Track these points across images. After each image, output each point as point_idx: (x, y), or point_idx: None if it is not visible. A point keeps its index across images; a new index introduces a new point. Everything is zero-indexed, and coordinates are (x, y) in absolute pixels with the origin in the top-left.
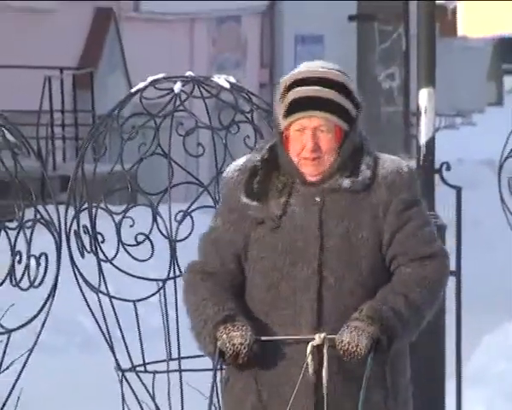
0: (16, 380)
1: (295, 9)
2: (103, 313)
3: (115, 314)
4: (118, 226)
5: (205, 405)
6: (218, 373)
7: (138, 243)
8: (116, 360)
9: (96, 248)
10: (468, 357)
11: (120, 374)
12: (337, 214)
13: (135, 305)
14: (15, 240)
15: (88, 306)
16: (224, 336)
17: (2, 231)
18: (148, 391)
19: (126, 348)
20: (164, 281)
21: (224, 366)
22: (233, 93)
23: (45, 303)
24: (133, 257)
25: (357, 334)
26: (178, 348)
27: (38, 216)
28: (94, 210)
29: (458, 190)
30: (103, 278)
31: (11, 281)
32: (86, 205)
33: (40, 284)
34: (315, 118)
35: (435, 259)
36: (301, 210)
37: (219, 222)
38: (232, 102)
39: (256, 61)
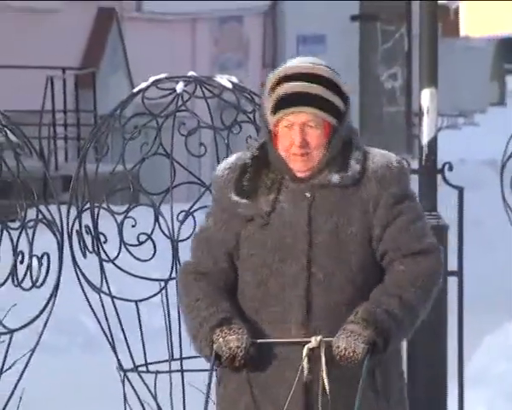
0: (18, 380)
1: (297, 9)
2: (105, 314)
3: (117, 314)
4: (120, 226)
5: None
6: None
7: (140, 243)
8: (118, 360)
9: (98, 248)
10: (469, 357)
11: (122, 374)
12: (326, 210)
13: (137, 305)
14: (17, 240)
15: (90, 306)
16: (221, 339)
17: (5, 231)
18: (150, 391)
19: (128, 348)
20: (166, 281)
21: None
22: (235, 93)
23: (47, 303)
24: (135, 257)
25: (353, 339)
26: (180, 348)
27: (40, 216)
28: (96, 210)
29: (460, 190)
30: (105, 278)
31: (13, 281)
32: (88, 205)
33: (42, 284)
34: (303, 114)
35: (428, 254)
36: (290, 206)
37: (211, 221)
38: (234, 102)
39: (258, 61)
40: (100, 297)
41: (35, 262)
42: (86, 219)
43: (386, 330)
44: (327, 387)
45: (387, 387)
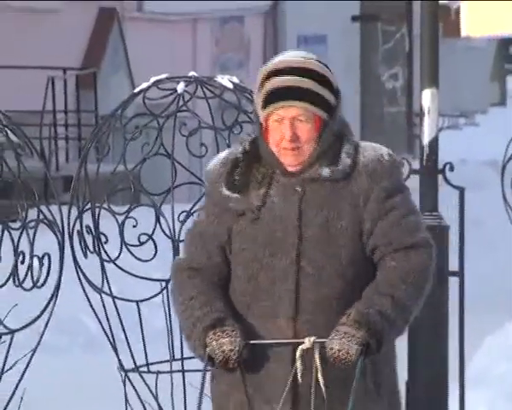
0: (19, 380)
1: (298, 10)
2: (106, 314)
3: (118, 315)
4: (121, 227)
5: (208, 405)
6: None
7: (141, 244)
8: (119, 360)
9: (99, 249)
10: (469, 358)
11: (123, 374)
12: (317, 204)
13: (138, 305)
14: (18, 240)
15: (91, 306)
16: (214, 342)
17: (6, 232)
18: (151, 391)
19: (129, 348)
20: (167, 281)
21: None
22: (236, 93)
23: (48, 303)
24: (136, 257)
25: (346, 340)
26: (181, 349)
27: (41, 216)
28: (97, 210)
29: (461, 190)
30: (106, 278)
31: (14, 281)
32: (89, 205)
33: (43, 285)
34: (293, 108)
35: (420, 249)
36: (281, 201)
37: (203, 216)
38: (235, 103)
39: (259, 62)
40: (101, 297)
41: (36, 262)
42: (87, 219)
43: (379, 332)
44: (323, 388)
45: (379, 382)
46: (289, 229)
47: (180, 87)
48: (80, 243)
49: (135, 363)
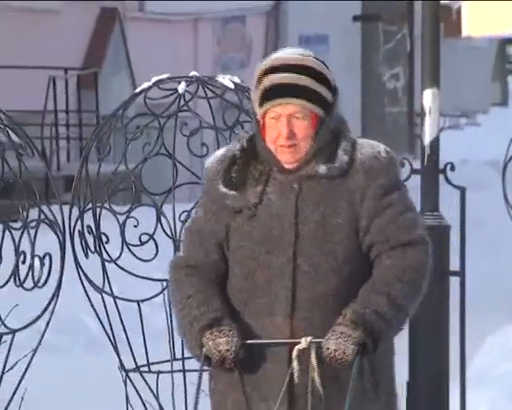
0: (20, 380)
1: (300, 9)
2: (107, 314)
3: (119, 314)
4: (122, 226)
5: (206, 404)
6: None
7: (142, 243)
8: (120, 360)
9: (100, 249)
10: (470, 357)
11: (124, 374)
12: (313, 201)
13: (139, 305)
14: (19, 240)
15: (92, 306)
16: (210, 342)
17: (7, 231)
18: (152, 391)
19: (130, 348)
20: (168, 281)
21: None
22: (237, 93)
23: (49, 303)
24: (137, 257)
25: (343, 340)
26: (182, 349)
27: (42, 216)
28: (98, 210)
29: (462, 190)
30: (107, 278)
31: (15, 281)
32: (90, 205)
33: (44, 285)
34: (290, 105)
35: (416, 246)
36: (278, 198)
37: (201, 213)
38: (236, 103)
39: (260, 62)
40: (102, 297)
41: (37, 262)
42: (88, 219)
43: (376, 332)
44: (320, 388)
45: (376, 381)
46: (286, 226)
47: (181, 87)
48: (81, 243)
49: (136, 363)
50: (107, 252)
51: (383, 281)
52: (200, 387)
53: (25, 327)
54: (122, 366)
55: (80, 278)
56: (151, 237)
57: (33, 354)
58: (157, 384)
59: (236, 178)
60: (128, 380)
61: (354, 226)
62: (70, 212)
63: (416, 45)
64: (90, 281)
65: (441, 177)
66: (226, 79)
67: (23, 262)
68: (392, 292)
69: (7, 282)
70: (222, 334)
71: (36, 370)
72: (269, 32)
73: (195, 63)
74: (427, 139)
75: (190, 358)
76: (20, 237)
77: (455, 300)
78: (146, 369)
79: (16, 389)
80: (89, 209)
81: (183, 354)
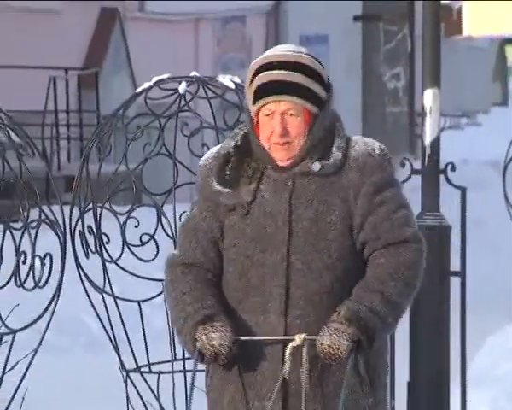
0: (21, 380)
1: (300, 9)
2: (108, 314)
3: (120, 315)
4: (122, 227)
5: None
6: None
7: (143, 244)
8: (121, 360)
9: (101, 249)
10: (471, 358)
11: (125, 375)
12: (307, 198)
13: (139, 305)
14: (20, 240)
15: (93, 306)
16: (204, 337)
17: (7, 232)
18: (152, 392)
19: (131, 348)
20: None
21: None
22: (238, 93)
23: (50, 303)
24: (138, 257)
25: (337, 336)
26: (183, 349)
27: (43, 216)
28: (99, 210)
29: (463, 190)
30: (108, 278)
31: (16, 281)
32: (91, 205)
33: (45, 285)
34: (283, 102)
35: (409, 244)
36: (271, 196)
37: (196, 211)
38: (237, 103)
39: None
40: (102, 298)
41: (37, 262)
42: (89, 219)
43: (370, 328)
44: (306, 386)
45: (372, 377)
46: (279, 224)
47: (182, 87)
48: (82, 243)
49: (136, 363)
50: (107, 252)
51: (377, 279)
52: (193, 385)
53: (25, 327)
54: (123, 366)
55: (81, 279)
56: (152, 237)
57: (34, 355)
58: (158, 385)
59: (230, 175)
60: (129, 380)
61: (348, 224)
62: (71, 212)
63: (416, 45)
64: (90, 281)
65: (442, 177)
66: (227, 79)
67: (24, 262)
68: (386, 290)
69: (7, 282)
70: (215, 329)
71: (36, 370)
72: (269, 32)
73: (196, 63)
74: (427, 139)
75: (191, 358)
76: (21, 238)
77: (455, 300)
78: (147, 369)
79: (17, 389)
80: (89, 209)
81: (183, 354)
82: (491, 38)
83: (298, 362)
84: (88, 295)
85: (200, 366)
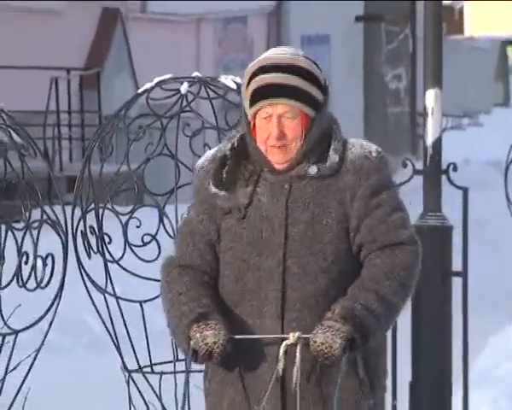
0: (23, 380)
1: (302, 10)
2: (110, 314)
3: (122, 315)
4: (124, 227)
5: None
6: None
7: (145, 244)
8: (123, 360)
9: (103, 249)
10: (473, 358)
11: (127, 375)
12: (303, 201)
13: (141, 306)
14: (22, 241)
15: (94, 306)
16: (198, 335)
17: (9, 232)
18: (154, 392)
19: (133, 348)
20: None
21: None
22: (239, 94)
23: (52, 304)
24: (140, 258)
25: (331, 334)
26: None
27: (45, 217)
28: (100, 211)
29: (465, 190)
30: (110, 278)
31: (18, 282)
32: (93, 205)
33: (47, 285)
34: (280, 105)
35: (405, 247)
36: (268, 199)
37: (193, 214)
38: (239, 103)
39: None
40: (104, 298)
41: (39, 263)
42: (91, 219)
43: (365, 327)
44: (294, 383)
45: (371, 378)
46: (276, 228)
47: (183, 88)
48: (84, 244)
49: (138, 363)
50: (109, 252)
51: (372, 278)
52: (188, 384)
53: (27, 328)
54: (125, 366)
55: (83, 279)
56: (153, 237)
57: (36, 355)
58: (160, 385)
59: (227, 178)
60: (131, 381)
61: (344, 226)
62: (72, 212)
63: (418, 46)
64: (92, 281)
65: (444, 177)
66: (228, 80)
67: (26, 263)
68: (381, 289)
69: (10, 282)
70: (209, 327)
71: (39, 370)
72: (270, 33)
73: (197, 64)
74: (429, 140)
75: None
76: (23, 238)
77: (457, 300)
78: (149, 370)
79: (19, 389)
80: (91, 210)
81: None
82: (492, 38)
83: (294, 362)
84: (90, 296)
85: (198, 366)
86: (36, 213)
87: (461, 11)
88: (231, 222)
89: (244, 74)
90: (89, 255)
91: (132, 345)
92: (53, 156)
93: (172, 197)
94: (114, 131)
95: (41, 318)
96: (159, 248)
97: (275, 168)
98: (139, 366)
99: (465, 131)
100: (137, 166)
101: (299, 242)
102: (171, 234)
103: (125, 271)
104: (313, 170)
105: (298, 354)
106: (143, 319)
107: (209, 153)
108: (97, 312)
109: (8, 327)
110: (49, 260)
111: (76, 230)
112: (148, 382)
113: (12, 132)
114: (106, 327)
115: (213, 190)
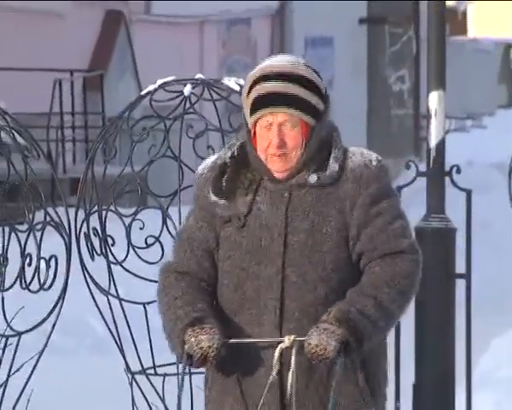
0: (26, 382)
1: (305, 12)
2: (113, 316)
3: (125, 317)
4: (128, 229)
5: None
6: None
7: (148, 246)
8: (126, 362)
9: (106, 251)
10: (476, 360)
11: (130, 377)
12: (303, 210)
13: (145, 307)
14: (25, 242)
15: (98, 308)
16: (192, 339)
17: (13, 234)
18: (157, 394)
19: (136, 350)
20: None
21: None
22: None
23: (55, 306)
24: (143, 260)
25: (326, 336)
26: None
27: (48, 218)
28: (104, 212)
29: (468, 192)
30: (113, 280)
31: (21, 284)
32: (96, 207)
33: (50, 287)
34: (280, 114)
35: (405, 255)
36: (268, 208)
37: (192, 221)
38: (242, 105)
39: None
40: (108, 300)
41: (43, 265)
42: (94, 221)
43: (359, 331)
44: (289, 387)
45: (372, 385)
46: (275, 237)
47: (187, 89)
48: (87, 246)
49: (142, 365)
50: (112, 254)
51: (371, 285)
52: (182, 387)
53: (31, 329)
54: (128, 368)
55: (86, 281)
56: (157, 239)
57: (39, 357)
58: (163, 387)
59: (226, 186)
60: (134, 382)
61: (344, 235)
62: (76, 214)
63: (421, 47)
64: (95, 283)
65: (447, 179)
66: (232, 82)
67: (29, 265)
68: (379, 295)
69: (13, 284)
70: (204, 331)
71: (42, 372)
72: (274, 35)
73: (201, 65)
74: (432, 142)
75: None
76: (26, 240)
77: (461, 302)
78: (152, 371)
79: (22, 390)
80: (95, 212)
81: None
82: (496, 40)
83: (293, 367)
84: (93, 298)
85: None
86: (39, 215)
87: (464, 12)
88: (231, 230)
89: (245, 82)
90: (92, 257)
91: (135, 347)
92: (56, 158)
93: (176, 199)
94: (118, 132)
95: (44, 319)
96: (162, 249)
97: (275, 177)
98: (142, 368)
99: (469, 133)
100: (141, 167)
101: (298, 251)
102: (175, 236)
103: (129, 273)
104: (313, 178)
105: (293, 356)
106: (146, 320)
107: (208, 160)
108: (100, 314)
109: (12, 329)
110: (52, 262)
111: (79, 232)
112: (151, 384)
113: (15, 134)
114: (109, 329)
115: (213, 198)
